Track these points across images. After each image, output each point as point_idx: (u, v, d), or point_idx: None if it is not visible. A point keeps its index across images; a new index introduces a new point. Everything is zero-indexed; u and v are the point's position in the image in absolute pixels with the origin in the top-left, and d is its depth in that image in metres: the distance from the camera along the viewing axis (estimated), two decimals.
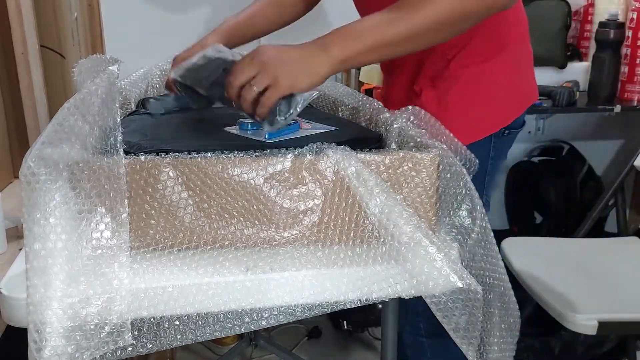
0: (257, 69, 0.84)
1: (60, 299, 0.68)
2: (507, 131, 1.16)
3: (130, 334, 0.71)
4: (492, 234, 0.89)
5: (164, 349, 0.75)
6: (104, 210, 0.74)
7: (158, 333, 0.75)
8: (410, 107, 0.96)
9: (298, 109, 0.86)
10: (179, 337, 0.76)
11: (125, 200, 0.76)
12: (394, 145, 0.94)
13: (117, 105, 0.83)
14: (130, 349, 0.72)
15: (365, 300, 0.81)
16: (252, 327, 0.79)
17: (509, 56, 1.15)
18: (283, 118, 0.86)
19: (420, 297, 1.16)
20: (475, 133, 1.12)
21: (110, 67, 0.89)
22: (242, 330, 0.78)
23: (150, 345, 0.75)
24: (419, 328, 1.27)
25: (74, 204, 0.71)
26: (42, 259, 0.67)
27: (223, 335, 0.78)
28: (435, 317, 1.15)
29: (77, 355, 0.68)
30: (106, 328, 0.69)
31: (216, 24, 1.74)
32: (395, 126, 0.96)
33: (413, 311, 1.25)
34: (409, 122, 0.96)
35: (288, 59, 0.85)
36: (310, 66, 0.85)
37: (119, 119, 0.82)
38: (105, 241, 0.74)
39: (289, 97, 0.85)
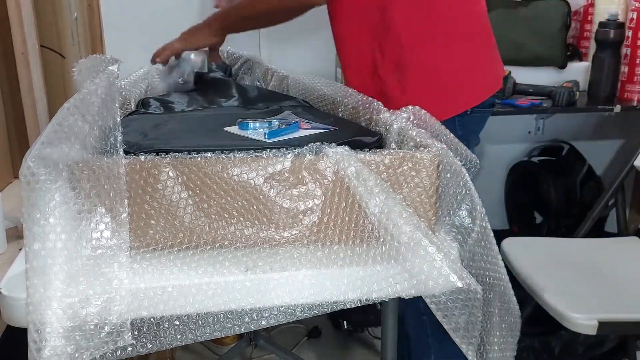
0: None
1: (60, 299, 0.68)
2: (468, 110, 1.23)
3: (130, 334, 0.71)
4: (492, 234, 0.89)
5: (164, 349, 0.75)
6: (103, 210, 0.74)
7: (158, 333, 0.75)
8: (410, 107, 0.97)
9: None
10: (178, 337, 0.76)
11: (125, 200, 0.76)
12: (394, 145, 0.94)
13: (117, 105, 0.83)
14: (130, 349, 0.72)
15: (365, 300, 0.81)
16: (252, 327, 0.79)
17: (468, 45, 1.23)
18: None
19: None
20: (437, 115, 1.14)
21: (110, 67, 0.90)
22: (242, 330, 0.78)
23: (150, 345, 0.75)
24: (419, 307, 1.28)
25: (74, 204, 0.71)
26: (41, 259, 0.67)
27: (223, 335, 0.78)
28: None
29: (76, 355, 0.68)
30: (106, 328, 0.69)
31: None
32: (395, 126, 0.96)
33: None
34: (408, 122, 0.96)
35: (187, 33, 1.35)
36: (197, 36, 1.35)
37: (118, 119, 0.82)
38: (105, 241, 0.74)
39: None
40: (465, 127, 1.23)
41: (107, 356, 0.70)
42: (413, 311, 1.31)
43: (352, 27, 1.25)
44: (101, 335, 0.69)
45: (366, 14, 1.22)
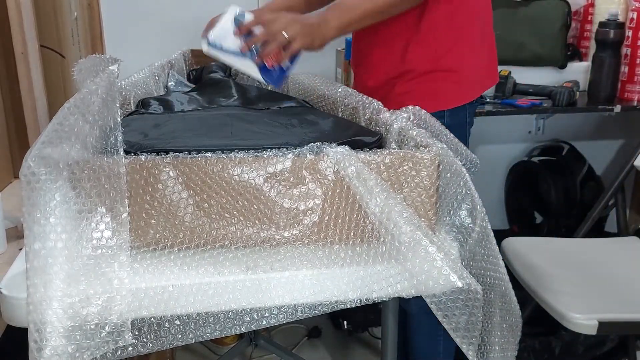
0: (285, 23, 1.08)
1: (61, 298, 0.68)
2: (476, 100, 1.35)
3: (130, 333, 0.71)
4: (492, 234, 0.89)
5: (165, 348, 0.75)
6: (104, 210, 0.74)
7: (158, 333, 0.75)
8: (410, 107, 0.98)
9: (295, 66, 1.16)
10: (179, 336, 0.76)
11: (126, 200, 0.76)
12: (394, 145, 0.94)
13: (117, 104, 0.83)
14: (130, 348, 0.72)
15: (366, 299, 0.81)
16: (252, 326, 0.79)
17: (476, 40, 1.31)
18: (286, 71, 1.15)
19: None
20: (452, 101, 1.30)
21: (110, 67, 0.89)
22: (243, 329, 0.78)
23: (151, 345, 0.75)
24: None
25: (74, 204, 0.71)
26: (42, 259, 0.67)
27: (223, 335, 0.78)
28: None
29: (77, 354, 0.68)
30: (106, 328, 0.69)
31: None
32: (395, 126, 0.96)
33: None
34: (409, 122, 0.96)
35: (306, 24, 1.10)
36: (319, 33, 1.12)
37: (119, 119, 0.82)
38: (105, 241, 0.74)
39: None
40: (471, 116, 1.35)
41: (107, 356, 0.70)
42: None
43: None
44: (102, 335, 0.69)
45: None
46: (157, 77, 1.36)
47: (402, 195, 0.84)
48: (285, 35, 1.07)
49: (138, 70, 1.33)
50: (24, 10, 1.19)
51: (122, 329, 0.70)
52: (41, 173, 0.66)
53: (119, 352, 0.71)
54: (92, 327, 0.69)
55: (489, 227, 0.89)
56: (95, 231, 0.74)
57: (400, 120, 0.97)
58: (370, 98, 1.10)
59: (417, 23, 1.26)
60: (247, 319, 0.79)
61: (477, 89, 1.35)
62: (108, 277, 0.72)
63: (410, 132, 0.92)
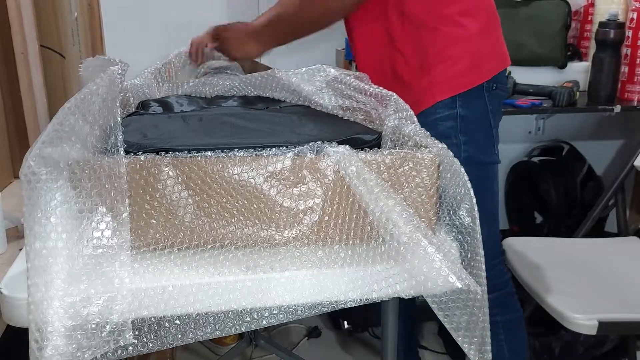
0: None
1: (61, 298, 0.68)
2: (494, 85, 1.28)
3: (131, 333, 0.71)
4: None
5: (165, 348, 0.75)
6: (104, 210, 0.74)
7: (159, 332, 0.75)
8: (394, 98, 1.02)
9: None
10: (179, 336, 0.76)
11: (126, 200, 0.76)
12: (389, 144, 0.94)
13: (117, 104, 0.83)
14: (130, 348, 0.72)
15: (366, 299, 0.81)
16: (252, 326, 0.79)
17: (483, 22, 1.27)
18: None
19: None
20: (465, 83, 1.25)
21: (111, 67, 0.90)
22: (243, 329, 0.78)
23: (151, 345, 0.75)
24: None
25: (75, 203, 0.71)
26: (42, 258, 0.67)
27: (224, 335, 0.78)
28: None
29: (78, 354, 0.68)
30: (107, 327, 0.69)
31: (213, 23, 1.73)
32: (389, 124, 0.95)
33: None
34: (402, 120, 0.95)
35: (236, 38, 1.37)
36: (245, 47, 1.35)
37: (119, 119, 0.82)
38: (106, 240, 0.74)
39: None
40: (493, 103, 1.30)
41: (108, 355, 0.70)
42: None
43: (367, 29, 1.29)
44: (102, 335, 0.69)
45: (382, 14, 1.24)
46: (158, 79, 1.36)
47: (402, 196, 0.84)
48: (208, 46, 1.39)
49: (140, 72, 1.33)
50: (24, 10, 1.19)
51: (123, 328, 0.70)
52: (42, 172, 0.66)
53: (119, 351, 0.71)
54: (93, 326, 0.69)
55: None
56: (95, 231, 0.74)
57: (393, 118, 0.96)
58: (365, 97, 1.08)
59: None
60: (247, 318, 0.79)
61: (484, 73, 1.27)
62: (109, 277, 0.72)
63: (405, 130, 0.92)
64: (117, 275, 0.72)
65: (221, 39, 1.37)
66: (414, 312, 1.59)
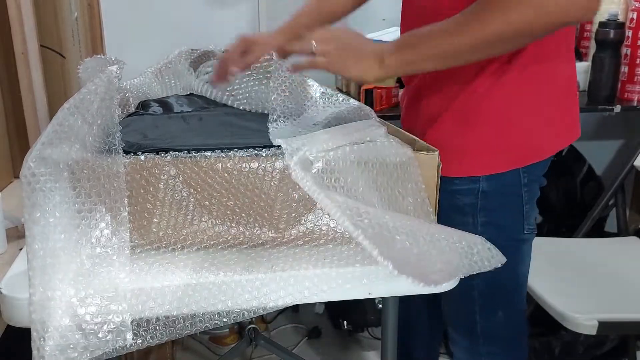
0: (321, 34, 0.93)
1: (61, 298, 0.68)
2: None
3: (130, 332, 0.71)
4: None
5: (164, 341, 0.75)
6: (104, 210, 0.74)
7: (157, 327, 0.75)
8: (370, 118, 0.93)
9: None
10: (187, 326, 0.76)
11: (125, 200, 0.76)
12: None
13: (115, 103, 0.83)
14: (130, 344, 0.72)
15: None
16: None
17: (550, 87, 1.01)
18: None
19: (480, 338, 1.16)
20: (499, 165, 1.01)
21: (110, 67, 0.90)
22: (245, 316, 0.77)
23: (151, 340, 0.74)
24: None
25: (74, 204, 0.71)
26: (42, 259, 0.67)
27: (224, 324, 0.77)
28: (498, 355, 1.17)
29: (78, 353, 0.68)
30: (106, 327, 0.69)
31: (213, 23, 1.74)
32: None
33: (476, 354, 1.19)
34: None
35: (348, 48, 0.92)
36: (361, 68, 0.91)
37: (117, 118, 0.82)
38: (105, 240, 0.74)
39: None
40: (532, 173, 1.04)
41: (108, 354, 0.70)
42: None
43: None
44: (102, 334, 0.69)
45: None
46: (159, 78, 1.36)
47: (402, 195, 0.84)
48: (314, 45, 0.91)
49: (141, 72, 1.33)
50: (24, 10, 1.19)
51: (122, 328, 0.70)
52: (41, 174, 0.67)
53: (119, 350, 0.71)
54: (93, 326, 0.69)
55: None
56: (94, 231, 0.74)
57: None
58: (360, 104, 1.03)
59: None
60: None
61: (533, 153, 1.02)
62: (108, 277, 0.72)
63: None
64: (117, 275, 0.72)
65: (323, 51, 0.92)
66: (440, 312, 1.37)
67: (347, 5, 1.28)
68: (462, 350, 1.22)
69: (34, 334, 0.67)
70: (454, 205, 1.03)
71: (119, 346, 0.70)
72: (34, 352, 0.67)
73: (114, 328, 0.70)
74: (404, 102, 1.19)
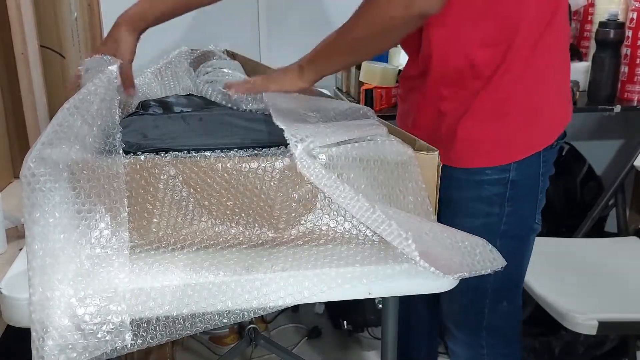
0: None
1: (60, 298, 0.68)
2: (555, 142, 1.11)
3: (130, 333, 0.71)
4: None
5: (164, 342, 0.75)
6: (103, 210, 0.74)
7: (157, 327, 0.75)
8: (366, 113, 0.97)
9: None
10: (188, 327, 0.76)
11: (125, 200, 0.76)
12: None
13: (116, 104, 0.83)
14: (129, 345, 0.72)
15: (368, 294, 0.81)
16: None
17: (551, 68, 1.08)
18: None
19: (484, 331, 1.19)
20: (528, 149, 1.07)
21: (109, 67, 0.90)
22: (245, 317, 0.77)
23: (159, 337, 0.74)
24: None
25: (74, 204, 0.71)
26: (42, 259, 0.67)
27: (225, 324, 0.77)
28: (497, 348, 1.21)
29: (77, 353, 0.68)
30: (105, 327, 0.69)
31: (213, 23, 1.74)
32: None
33: (477, 346, 1.22)
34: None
35: (274, 75, 1.06)
36: (286, 81, 1.03)
37: (117, 119, 0.82)
38: (105, 241, 0.74)
39: None
40: (548, 162, 1.12)
41: (107, 354, 0.70)
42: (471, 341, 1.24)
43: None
44: (101, 335, 0.69)
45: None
46: (159, 78, 1.36)
47: (403, 194, 0.84)
48: (253, 79, 1.06)
49: (141, 72, 1.33)
50: (24, 10, 1.19)
51: (122, 328, 0.70)
52: (41, 174, 0.67)
53: (118, 350, 0.71)
54: (92, 326, 0.69)
55: None
56: (94, 231, 0.74)
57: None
58: (358, 104, 1.05)
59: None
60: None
61: (553, 132, 1.10)
62: (107, 277, 0.72)
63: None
64: (116, 275, 0.72)
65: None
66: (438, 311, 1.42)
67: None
68: (463, 345, 1.23)
69: (33, 334, 0.67)
70: (481, 196, 1.07)
71: (118, 346, 0.70)
72: (34, 352, 0.67)
73: (113, 328, 0.70)
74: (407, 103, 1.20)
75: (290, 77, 1.04)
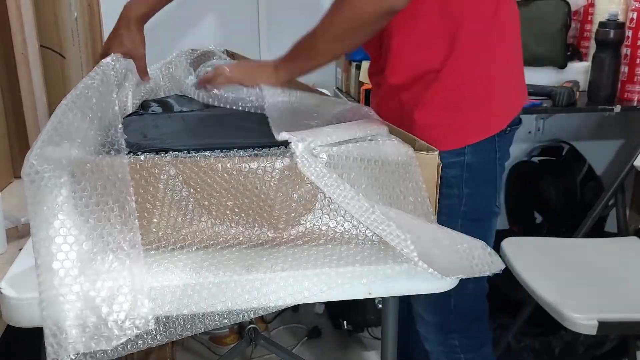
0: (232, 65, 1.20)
1: (65, 295, 0.69)
2: (508, 128, 1.16)
3: (134, 330, 0.71)
4: None
5: (164, 343, 0.75)
6: (111, 202, 0.74)
7: (157, 328, 0.75)
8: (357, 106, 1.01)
9: None
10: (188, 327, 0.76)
11: (128, 197, 0.75)
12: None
13: (114, 96, 0.83)
14: (130, 346, 0.72)
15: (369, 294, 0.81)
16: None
17: (508, 60, 1.15)
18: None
19: (452, 314, 1.21)
20: (477, 134, 1.13)
21: (104, 60, 0.89)
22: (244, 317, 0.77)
23: (160, 337, 0.74)
24: (455, 346, 1.28)
25: (80, 199, 0.71)
26: (49, 256, 0.67)
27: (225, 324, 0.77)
28: (469, 331, 1.24)
29: (79, 350, 0.68)
30: (109, 324, 0.69)
31: (213, 22, 1.74)
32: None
33: (446, 330, 1.27)
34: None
35: (253, 66, 1.18)
36: (261, 77, 1.11)
37: (117, 109, 0.82)
38: (112, 238, 0.74)
39: None
40: (503, 149, 1.17)
41: (108, 353, 0.70)
42: (446, 350, 1.29)
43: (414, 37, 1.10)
44: (104, 332, 0.69)
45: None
46: (159, 79, 1.36)
47: (403, 194, 0.84)
48: (226, 70, 1.14)
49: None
50: (24, 10, 1.19)
51: (126, 325, 0.70)
52: (45, 170, 0.67)
53: (120, 348, 0.71)
54: (95, 323, 0.69)
55: None
56: (104, 225, 0.73)
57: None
58: (358, 104, 1.08)
59: (450, 46, 1.08)
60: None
61: (504, 119, 1.15)
62: (113, 275, 0.72)
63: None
64: (122, 273, 0.72)
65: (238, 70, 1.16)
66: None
67: None
68: (433, 329, 1.27)
69: (46, 331, 0.68)
70: (441, 178, 1.10)
71: (121, 342, 0.70)
72: (48, 349, 0.67)
73: (117, 325, 0.70)
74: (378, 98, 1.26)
75: (265, 74, 1.11)
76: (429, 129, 1.09)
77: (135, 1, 1.24)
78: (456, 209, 1.14)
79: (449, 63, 1.08)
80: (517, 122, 1.19)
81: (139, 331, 0.70)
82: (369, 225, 0.79)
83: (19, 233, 0.95)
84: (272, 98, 1.04)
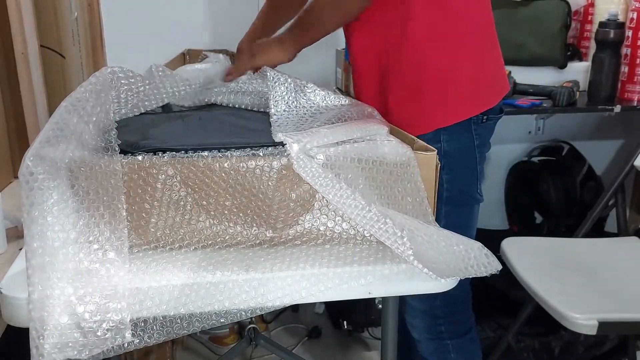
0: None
1: (59, 296, 0.69)
2: (484, 117, 1.20)
3: (129, 331, 0.71)
4: None
5: (161, 341, 0.75)
6: (102, 208, 0.74)
7: (155, 327, 0.75)
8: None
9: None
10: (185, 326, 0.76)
11: (122, 197, 0.76)
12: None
13: (110, 99, 0.83)
14: (127, 344, 0.72)
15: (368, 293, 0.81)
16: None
17: (470, 47, 1.18)
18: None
19: (438, 299, 1.23)
20: (452, 117, 1.17)
21: (104, 68, 0.90)
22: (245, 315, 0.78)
23: (148, 340, 0.74)
24: (441, 332, 1.31)
25: (73, 202, 0.71)
26: (41, 257, 0.67)
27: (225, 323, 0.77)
28: (454, 316, 1.26)
29: (76, 351, 0.68)
30: (104, 325, 0.69)
31: (213, 22, 1.74)
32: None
33: (432, 316, 1.30)
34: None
35: (258, 49, 1.23)
36: (270, 53, 1.20)
37: (112, 114, 0.82)
38: (104, 239, 0.74)
39: None
40: (481, 137, 1.21)
41: (105, 353, 0.70)
42: (432, 336, 1.33)
43: (366, 31, 1.20)
44: (100, 333, 0.69)
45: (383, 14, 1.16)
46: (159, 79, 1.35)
47: (402, 194, 0.84)
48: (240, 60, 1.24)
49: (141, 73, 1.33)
50: (24, 10, 1.19)
51: (121, 326, 0.70)
52: (39, 172, 0.67)
53: (117, 349, 0.71)
54: (92, 324, 0.69)
55: None
56: (93, 229, 0.74)
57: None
58: (361, 103, 1.09)
59: (402, 33, 1.14)
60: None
61: (475, 104, 1.18)
62: (107, 275, 0.72)
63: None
64: (116, 273, 0.72)
65: (252, 51, 1.25)
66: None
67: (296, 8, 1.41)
68: (420, 315, 1.30)
69: (32, 333, 0.67)
70: None
71: (117, 344, 0.70)
72: (33, 351, 0.67)
73: (112, 326, 0.70)
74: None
75: (274, 50, 1.20)
76: (401, 115, 1.16)
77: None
78: (439, 194, 1.15)
79: (403, 52, 1.14)
80: (497, 111, 1.23)
81: (116, 338, 0.70)
82: (365, 224, 0.79)
83: (19, 233, 0.95)
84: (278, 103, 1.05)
